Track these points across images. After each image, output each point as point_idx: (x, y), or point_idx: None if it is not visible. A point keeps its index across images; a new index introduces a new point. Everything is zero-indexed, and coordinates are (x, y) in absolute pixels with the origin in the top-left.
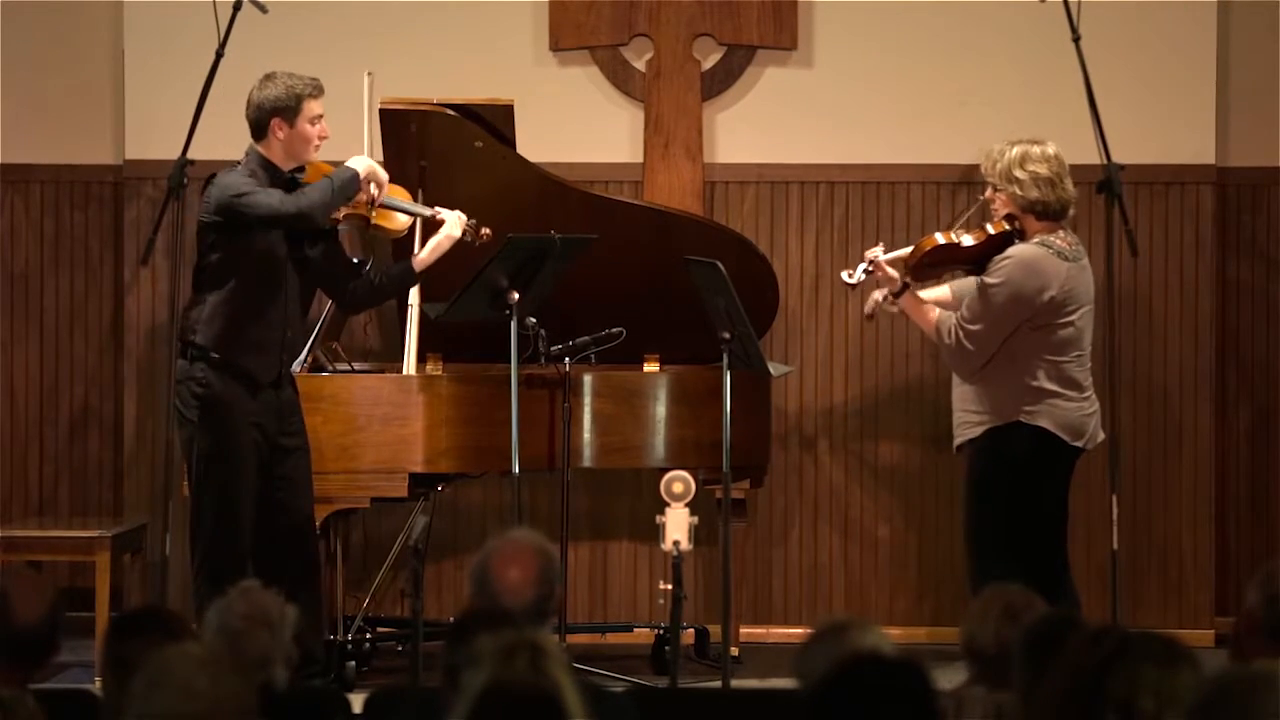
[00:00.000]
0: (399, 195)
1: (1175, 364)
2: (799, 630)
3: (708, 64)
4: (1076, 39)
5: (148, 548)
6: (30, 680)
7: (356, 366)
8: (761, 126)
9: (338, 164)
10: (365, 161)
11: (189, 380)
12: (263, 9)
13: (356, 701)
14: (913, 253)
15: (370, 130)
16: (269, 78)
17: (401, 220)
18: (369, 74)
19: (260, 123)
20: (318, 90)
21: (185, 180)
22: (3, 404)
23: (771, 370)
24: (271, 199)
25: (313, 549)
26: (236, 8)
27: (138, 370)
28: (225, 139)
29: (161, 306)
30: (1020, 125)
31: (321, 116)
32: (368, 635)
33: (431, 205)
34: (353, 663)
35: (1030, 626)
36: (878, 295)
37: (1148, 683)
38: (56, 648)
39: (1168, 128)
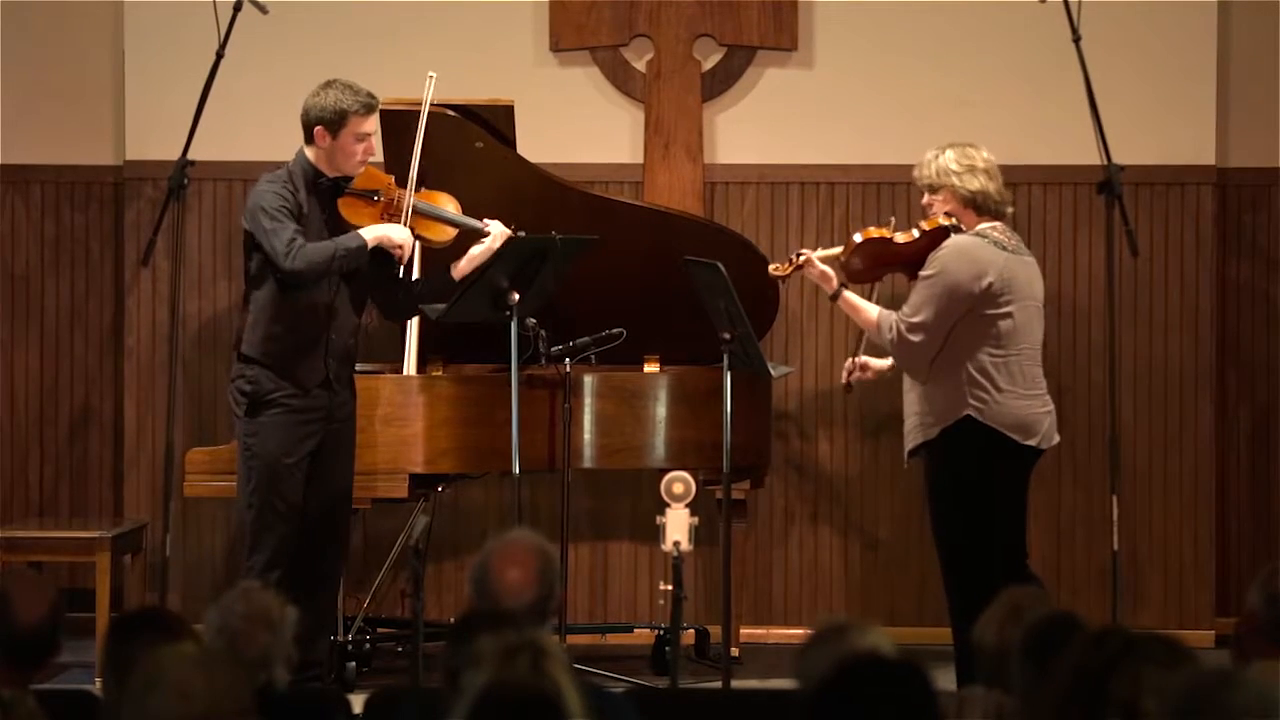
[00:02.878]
0: (447, 204)
1: (1175, 364)
2: (799, 631)
3: (708, 64)
4: (1077, 39)
5: (148, 548)
6: (31, 681)
7: (358, 367)
8: (762, 127)
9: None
10: (379, 230)
11: (238, 379)
12: (263, 9)
13: (357, 702)
14: (844, 249)
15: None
16: (327, 84)
17: (446, 231)
18: (431, 75)
19: (307, 127)
20: (367, 109)
21: (185, 181)
22: (3, 404)
23: (772, 371)
24: (281, 239)
25: (337, 557)
26: (237, 8)
27: (138, 371)
28: (226, 139)
29: (162, 307)
30: (1020, 125)
31: (370, 135)
32: (368, 636)
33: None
34: (353, 663)
35: (1031, 627)
36: (849, 364)
37: (1151, 684)
38: (57, 648)
39: (1168, 128)
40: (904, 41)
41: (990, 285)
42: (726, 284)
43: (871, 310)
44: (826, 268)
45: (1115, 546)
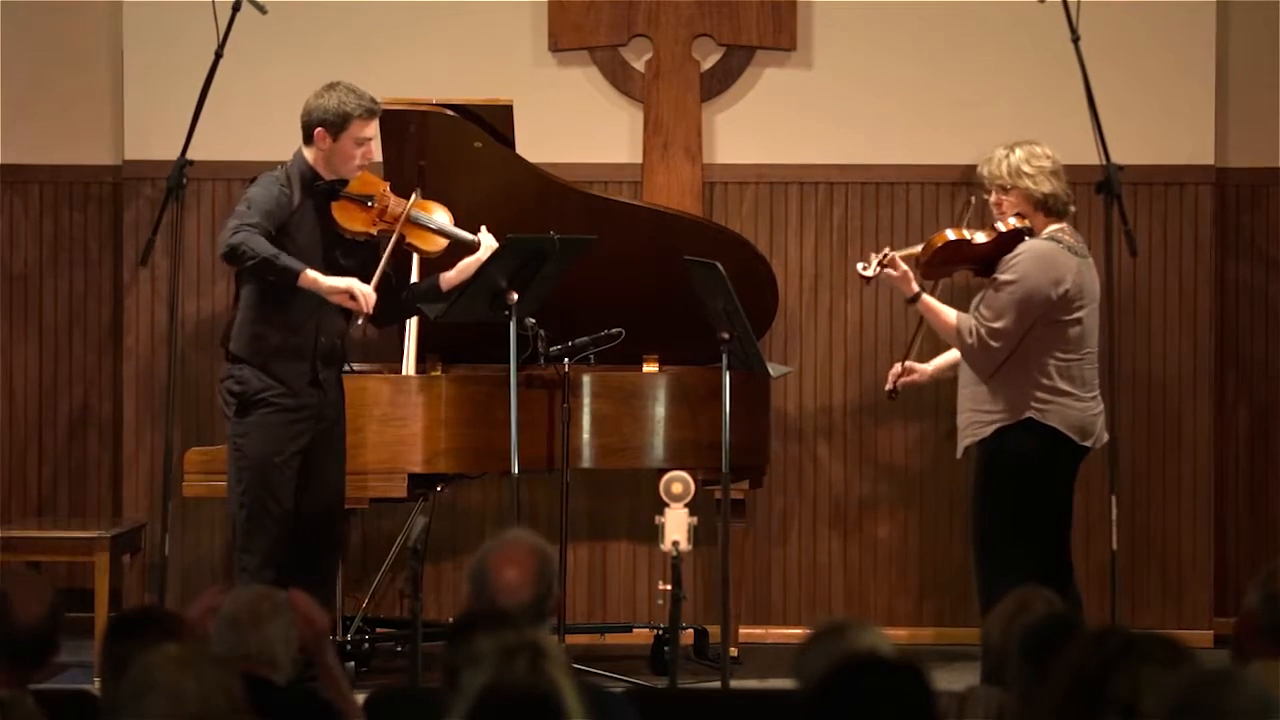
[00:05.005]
0: (440, 214)
1: (1174, 364)
2: (798, 631)
3: (707, 64)
4: (1076, 39)
5: (146, 548)
6: (30, 681)
7: (356, 367)
8: (760, 127)
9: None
10: (318, 279)
11: (227, 379)
12: (262, 10)
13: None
14: (924, 249)
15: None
16: (331, 86)
17: (437, 242)
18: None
19: (307, 128)
20: (369, 113)
21: (184, 181)
22: (2, 404)
23: (771, 371)
24: (238, 218)
25: (334, 559)
26: (235, 8)
27: (136, 371)
28: (224, 140)
29: (160, 307)
30: (1019, 125)
31: (370, 139)
32: (367, 636)
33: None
34: (352, 663)
35: (1030, 627)
36: (897, 369)
37: (1150, 684)
38: (56, 648)
39: (1167, 128)
40: (903, 41)
41: (1066, 292)
42: (725, 284)
43: (950, 314)
44: (906, 268)
45: (1114, 546)
